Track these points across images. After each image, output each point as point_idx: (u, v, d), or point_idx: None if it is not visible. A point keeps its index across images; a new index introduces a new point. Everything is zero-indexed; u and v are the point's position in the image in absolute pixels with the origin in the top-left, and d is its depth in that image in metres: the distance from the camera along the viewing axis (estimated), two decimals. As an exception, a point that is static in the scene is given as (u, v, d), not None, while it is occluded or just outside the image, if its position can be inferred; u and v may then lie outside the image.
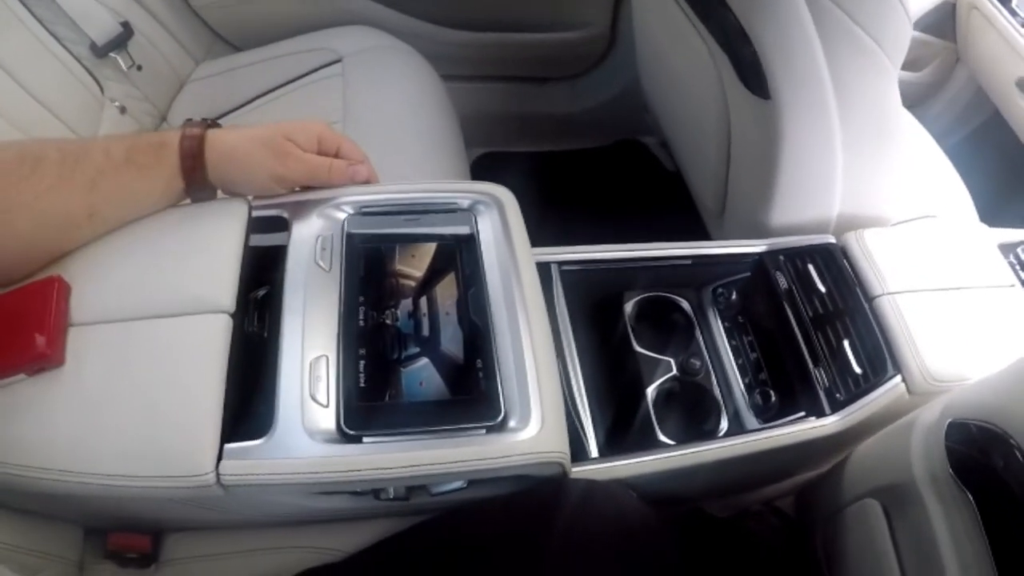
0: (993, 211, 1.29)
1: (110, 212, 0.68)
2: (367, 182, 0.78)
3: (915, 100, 1.72)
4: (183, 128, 0.68)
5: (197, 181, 0.70)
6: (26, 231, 0.65)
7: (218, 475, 0.61)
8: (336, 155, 0.75)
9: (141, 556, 0.78)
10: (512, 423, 0.64)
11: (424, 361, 0.72)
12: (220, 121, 0.94)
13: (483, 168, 1.88)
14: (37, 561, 0.72)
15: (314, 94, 1.34)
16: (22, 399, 0.64)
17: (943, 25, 1.60)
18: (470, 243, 0.78)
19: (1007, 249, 0.95)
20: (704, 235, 1.38)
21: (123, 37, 1.29)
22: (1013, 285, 0.90)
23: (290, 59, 1.43)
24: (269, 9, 1.53)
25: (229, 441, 0.62)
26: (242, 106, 1.38)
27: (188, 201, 0.75)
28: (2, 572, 0.64)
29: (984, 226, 1.04)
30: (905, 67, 1.71)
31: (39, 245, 0.67)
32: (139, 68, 1.32)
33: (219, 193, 0.75)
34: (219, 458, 0.61)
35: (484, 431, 0.64)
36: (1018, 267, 0.93)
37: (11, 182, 0.62)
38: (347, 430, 0.62)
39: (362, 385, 0.66)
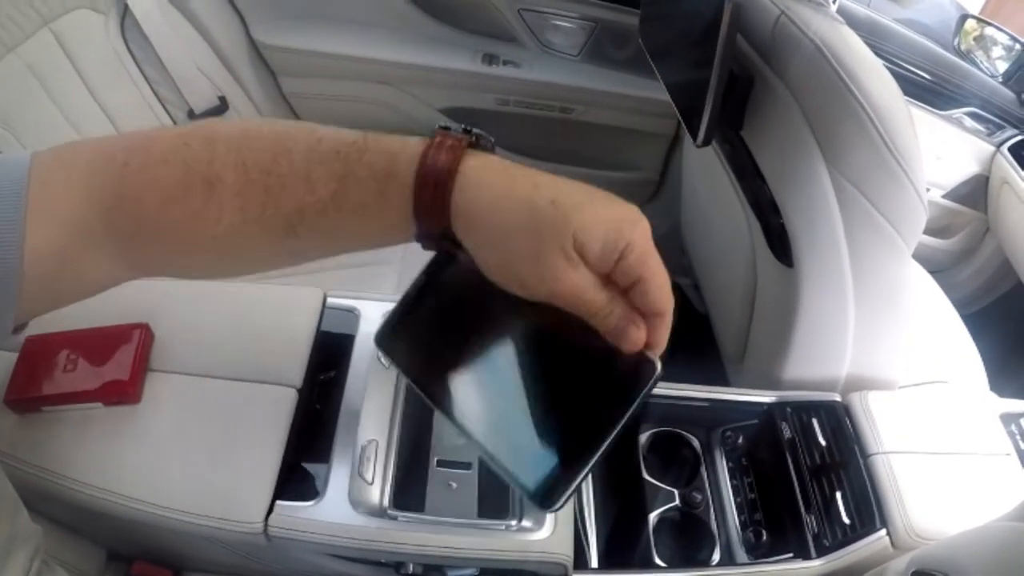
0: (1005, 380, 1.33)
1: (315, 252, 0.49)
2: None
3: (942, 266, 1.77)
4: (429, 144, 0.44)
5: (435, 230, 0.44)
6: (211, 265, 0.49)
7: (266, 526, 0.69)
8: (631, 287, 0.42)
9: (159, 587, 0.84)
10: (528, 523, 0.73)
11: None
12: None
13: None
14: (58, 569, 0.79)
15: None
16: (96, 425, 0.74)
17: (975, 196, 1.66)
18: None
19: (1009, 419, 1.01)
20: (723, 378, 1.43)
21: (219, 109, 1.42)
22: (1009, 454, 0.95)
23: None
24: (353, 109, 1.69)
25: (280, 499, 0.71)
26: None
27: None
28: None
29: (993, 395, 1.10)
30: (936, 234, 1.78)
31: (228, 272, 0.51)
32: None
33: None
34: (269, 512, 0.70)
35: (504, 528, 0.72)
36: (1018, 437, 0.99)
37: (181, 215, 0.43)
38: (387, 508, 0.71)
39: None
